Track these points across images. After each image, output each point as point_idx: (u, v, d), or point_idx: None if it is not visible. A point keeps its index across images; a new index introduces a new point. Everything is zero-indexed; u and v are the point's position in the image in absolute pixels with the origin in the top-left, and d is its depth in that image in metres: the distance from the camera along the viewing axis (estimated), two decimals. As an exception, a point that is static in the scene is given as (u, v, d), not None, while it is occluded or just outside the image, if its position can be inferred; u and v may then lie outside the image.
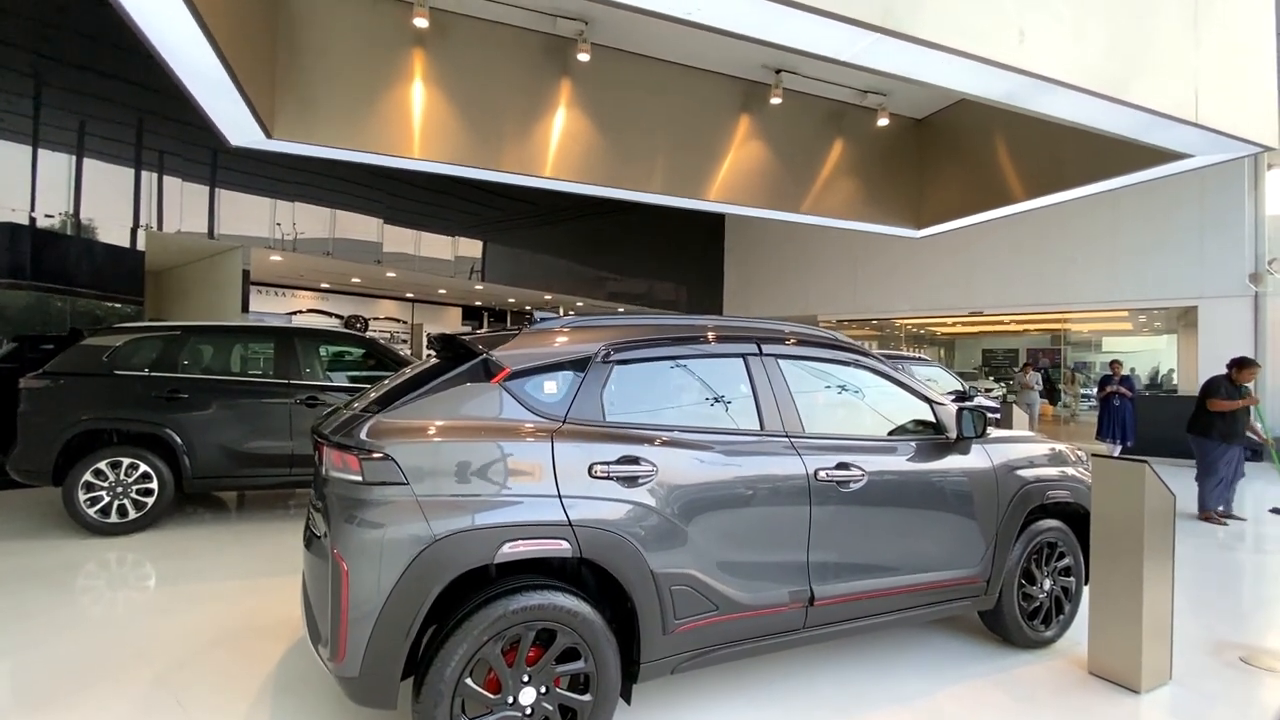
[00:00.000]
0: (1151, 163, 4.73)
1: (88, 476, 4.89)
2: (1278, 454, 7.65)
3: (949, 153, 6.77)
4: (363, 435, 2.06)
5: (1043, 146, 5.79)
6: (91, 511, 4.89)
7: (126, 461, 4.99)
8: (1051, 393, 16.36)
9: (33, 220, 7.41)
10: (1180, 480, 7.06)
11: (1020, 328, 16.99)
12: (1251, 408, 6.50)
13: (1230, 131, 3.86)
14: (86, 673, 2.87)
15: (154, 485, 5.04)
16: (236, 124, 4.31)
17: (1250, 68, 3.98)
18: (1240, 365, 6.38)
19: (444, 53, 5.06)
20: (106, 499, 4.93)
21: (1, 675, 2.85)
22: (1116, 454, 9.56)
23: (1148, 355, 15.60)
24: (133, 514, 4.99)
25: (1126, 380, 9.86)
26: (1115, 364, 10.10)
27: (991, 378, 17.91)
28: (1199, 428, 6.56)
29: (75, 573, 4.21)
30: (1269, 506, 6.88)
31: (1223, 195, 10.99)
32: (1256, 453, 10.36)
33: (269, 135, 4.46)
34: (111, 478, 4.95)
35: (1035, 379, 11.91)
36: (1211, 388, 6.58)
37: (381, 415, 2.13)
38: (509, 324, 19.76)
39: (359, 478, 2.01)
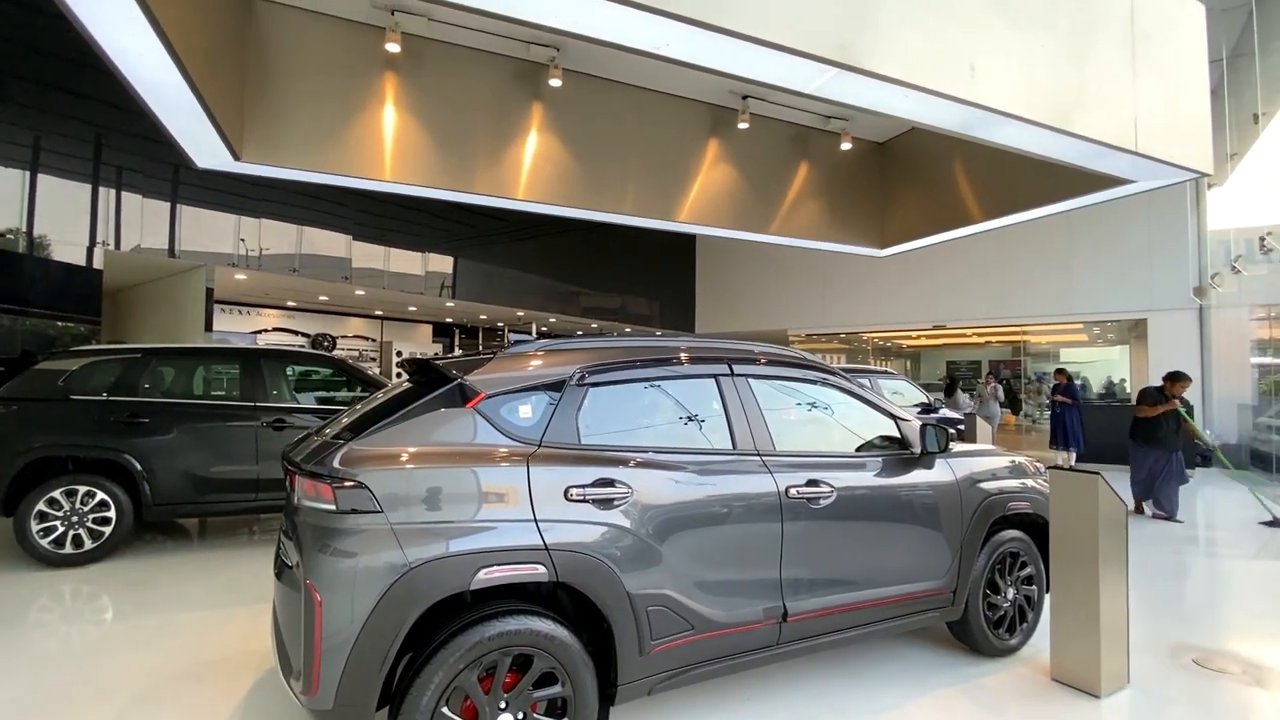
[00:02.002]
0: (1097, 187, 5.00)
1: (41, 506, 4.70)
2: (1224, 457, 8.04)
3: (910, 176, 7.03)
4: (335, 463, 2.05)
5: (998, 171, 6.06)
6: (45, 542, 4.70)
7: (83, 489, 4.82)
8: (1013, 402, 16.86)
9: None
10: (1129, 486, 7.41)
11: (982, 340, 17.51)
12: (1190, 418, 6.88)
13: (1167, 159, 4.12)
14: (40, 713, 2.76)
15: (111, 514, 4.87)
16: (203, 146, 4.26)
17: (1185, 101, 4.27)
18: (1173, 379, 6.83)
19: (416, 77, 5.09)
20: (61, 529, 4.74)
21: (-52, 719, 2.72)
22: (1072, 462, 9.88)
23: (1103, 365, 16.22)
24: (89, 544, 4.81)
25: (1069, 389, 10.15)
26: (1059, 373, 10.46)
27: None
28: (1132, 434, 7.08)
29: (28, 607, 4.04)
30: (1262, 519, 7.04)
31: (1168, 214, 11.56)
32: (1206, 458, 10.84)
33: (237, 158, 4.41)
34: (66, 507, 4.77)
35: (996, 390, 12.22)
36: (1141, 397, 7.09)
37: (354, 442, 2.12)
38: (480, 341, 19.60)
39: (332, 506, 2.00)
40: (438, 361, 2.54)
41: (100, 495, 4.85)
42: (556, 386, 2.41)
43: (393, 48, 4.76)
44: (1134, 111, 3.93)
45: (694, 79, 5.10)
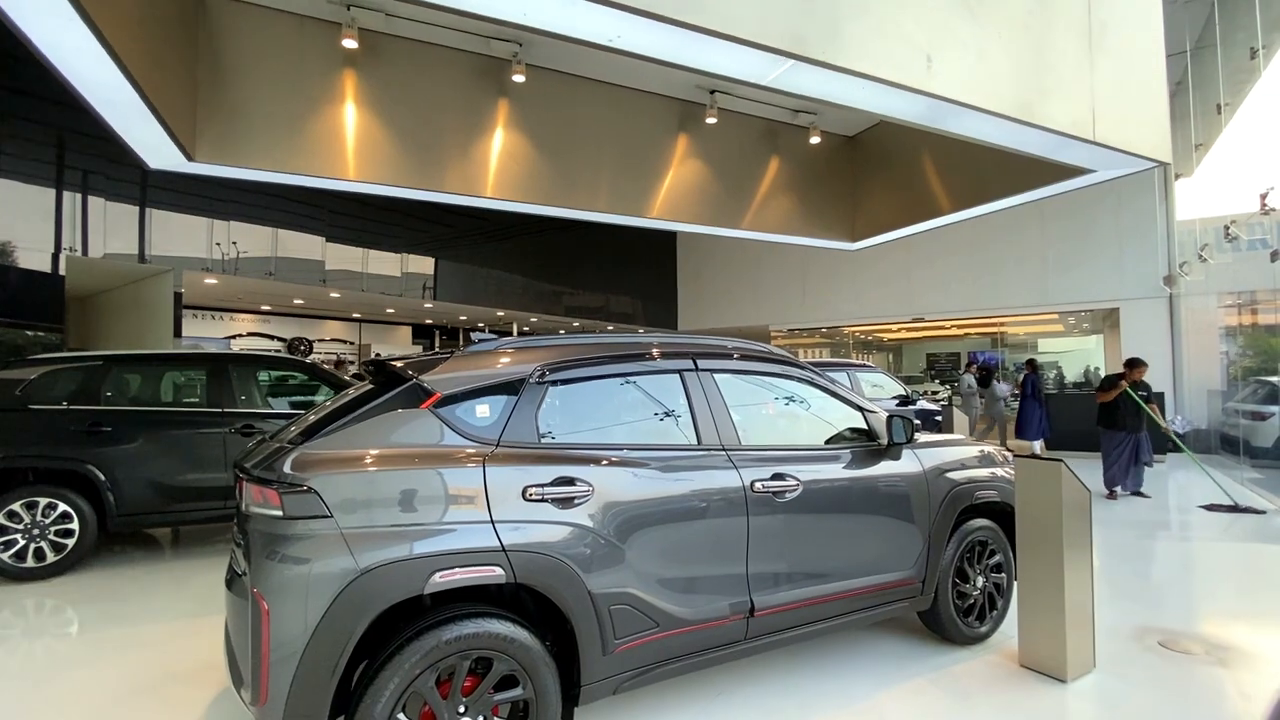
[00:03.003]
0: (1061, 177, 5.06)
1: (0, 519, 4.57)
2: (1182, 443, 8.26)
3: (880, 169, 7.07)
4: (285, 469, 2.00)
5: (965, 163, 6.11)
6: (5, 556, 4.57)
7: (44, 501, 4.69)
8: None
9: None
10: (1096, 473, 7.57)
11: (961, 332, 17.69)
12: (1144, 404, 7.31)
13: (1126, 148, 4.17)
14: (-9, 733, 2.68)
15: (75, 525, 4.75)
16: (152, 146, 4.15)
17: (1143, 89, 4.33)
18: (1129, 364, 7.31)
19: (376, 73, 5.01)
20: (22, 542, 4.62)
21: (-107, 742, 2.63)
22: (1035, 450, 10.03)
23: (1080, 355, 16.47)
24: (51, 557, 4.69)
25: (1029, 379, 10.37)
26: (1028, 364, 10.70)
27: (936, 380, 18.52)
28: (1097, 420, 7.50)
29: (-15, 623, 3.92)
30: (1200, 502, 7.29)
31: (1138, 205, 11.75)
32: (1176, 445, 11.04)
33: (190, 158, 4.30)
34: (27, 519, 4.65)
35: (969, 381, 12.29)
36: (1101, 384, 7.50)
37: (305, 446, 2.07)
38: (461, 342, 19.46)
39: (279, 513, 1.95)
40: (394, 362, 2.50)
41: (62, 507, 4.73)
42: (515, 385, 2.37)
43: (349, 44, 4.68)
44: (1092, 102, 3.98)
45: (660, 74, 5.09)
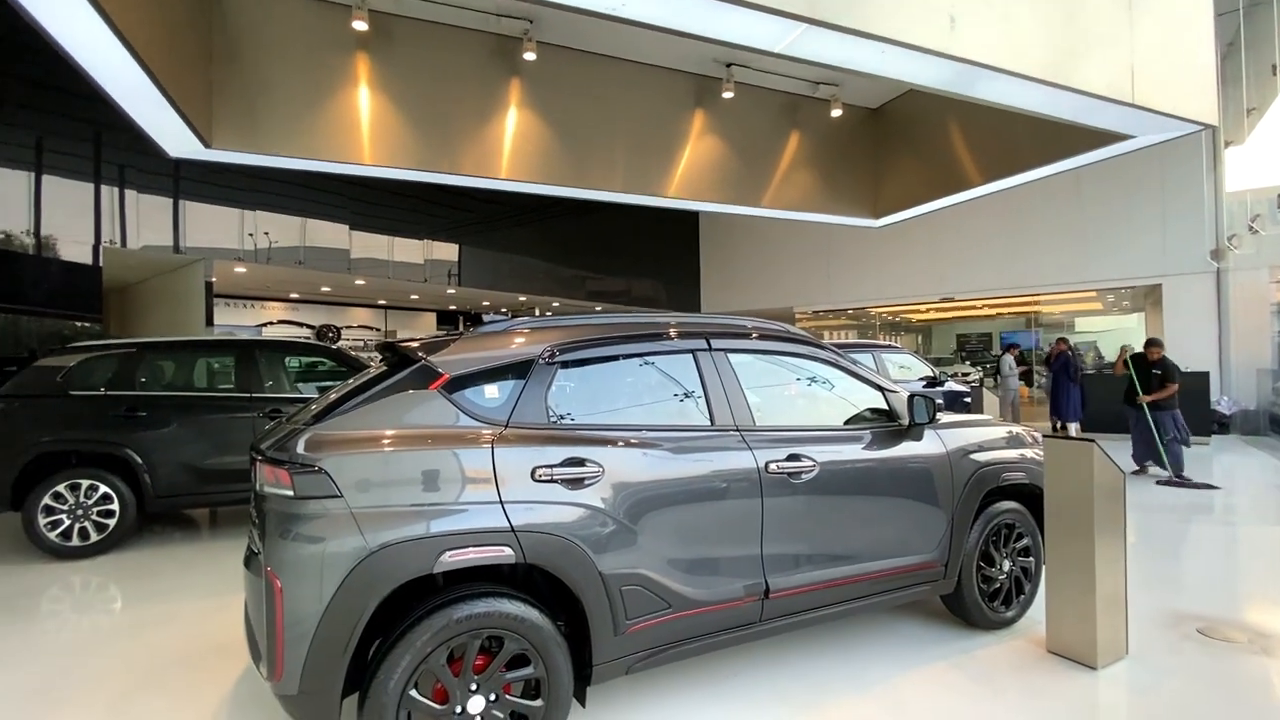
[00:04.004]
0: (1098, 144, 4.81)
1: (47, 500, 4.77)
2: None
3: (904, 141, 6.84)
4: (297, 449, 2.02)
5: (995, 131, 5.86)
6: (53, 535, 4.78)
7: (86, 483, 4.88)
8: (1027, 375, 16.57)
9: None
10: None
11: (993, 311, 17.21)
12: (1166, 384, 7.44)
13: (1168, 111, 3.93)
14: (46, 697, 2.81)
15: (115, 506, 4.94)
16: (170, 134, 4.22)
17: (1187, 46, 4.05)
18: (1148, 344, 7.55)
19: (388, 56, 4.99)
20: (67, 522, 4.82)
21: (-53, 709, 2.77)
22: (1073, 432, 9.75)
23: (1119, 334, 15.89)
24: (95, 536, 4.88)
25: (1057, 360, 10.12)
26: (1059, 342, 10.43)
27: (967, 362, 18.10)
28: (1126, 397, 7.68)
29: (38, 598, 4.12)
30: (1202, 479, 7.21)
31: (1183, 175, 11.21)
32: (1223, 425, 10.62)
33: (208, 145, 4.36)
34: (71, 500, 4.84)
35: (1008, 362, 12.00)
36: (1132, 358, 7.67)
37: (317, 427, 2.09)
38: (486, 327, 19.61)
39: (290, 492, 1.97)
40: (405, 343, 2.50)
41: (103, 489, 4.92)
42: (524, 366, 2.36)
43: (360, 25, 4.66)
44: (1131, 62, 3.73)
45: (674, 48, 4.97)
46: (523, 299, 15.81)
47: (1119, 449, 6.91)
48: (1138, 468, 7.60)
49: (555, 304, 16.46)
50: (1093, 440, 3.01)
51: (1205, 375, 10.23)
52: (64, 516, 4.82)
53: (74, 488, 4.86)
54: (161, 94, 3.51)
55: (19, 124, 7.53)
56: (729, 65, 5.65)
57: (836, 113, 6.43)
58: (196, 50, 4.16)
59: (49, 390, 5.00)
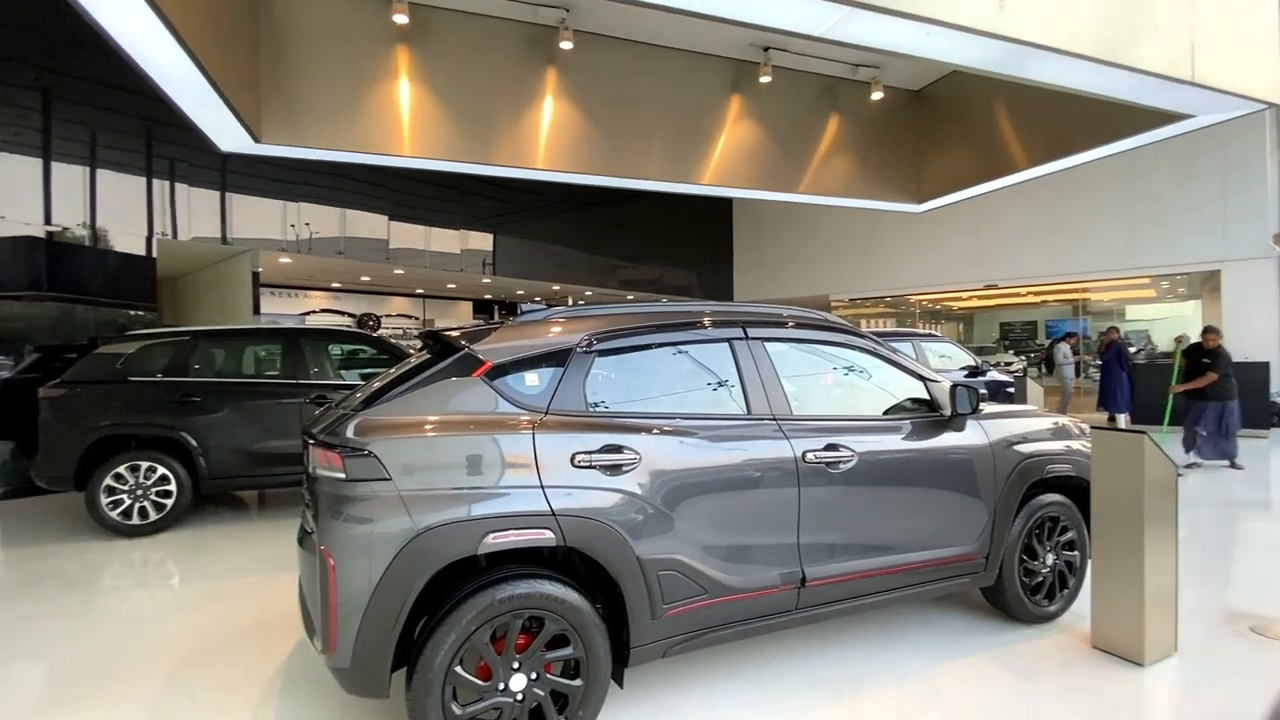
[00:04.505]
0: (1154, 124, 4.59)
1: (109, 480, 5.04)
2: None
3: (948, 123, 6.63)
4: (346, 433, 2.10)
5: (1045, 112, 5.64)
6: (114, 514, 5.05)
7: (145, 465, 5.14)
8: (1076, 365, 16.00)
9: (49, 233, 7.58)
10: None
11: (1038, 299, 16.65)
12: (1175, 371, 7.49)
13: (1229, 89, 3.72)
14: (109, 668, 2.99)
15: (172, 487, 5.18)
16: (223, 130, 4.36)
17: (1249, 22, 3.82)
18: (1205, 332, 7.38)
19: (427, 48, 5.06)
20: (128, 502, 5.08)
21: (35, 671, 2.97)
22: (1123, 423, 9.41)
23: (1174, 322, 15.21)
24: (153, 515, 5.14)
25: (1106, 350, 9.77)
26: (1110, 331, 10.06)
27: (1011, 351, 17.59)
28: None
29: (101, 573, 4.36)
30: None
31: (1245, 154, 10.62)
32: (1284, 417, 10.12)
33: (257, 139, 4.51)
34: (131, 481, 5.10)
35: (1063, 351, 11.58)
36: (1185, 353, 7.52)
37: (365, 413, 2.17)
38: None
39: (342, 475, 2.05)
40: (447, 332, 2.56)
41: (161, 470, 5.16)
42: (563, 355, 2.39)
43: (400, 19, 4.73)
44: (1191, 39, 3.54)
45: (710, 33, 4.91)
46: (556, 288, 15.91)
47: (1170, 442, 6.70)
48: (1190, 460, 7.43)
49: (588, 293, 16.53)
50: (1144, 432, 2.91)
51: (1265, 366, 9.75)
52: (124, 496, 5.08)
53: (134, 469, 5.12)
54: (214, 90, 3.63)
55: (74, 120, 7.86)
56: (766, 49, 5.55)
57: (877, 95, 6.26)
58: (245, 46, 4.28)
59: (110, 376, 5.25)
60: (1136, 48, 3.47)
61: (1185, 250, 11.34)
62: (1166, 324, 15.19)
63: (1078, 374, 15.99)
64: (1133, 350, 10.87)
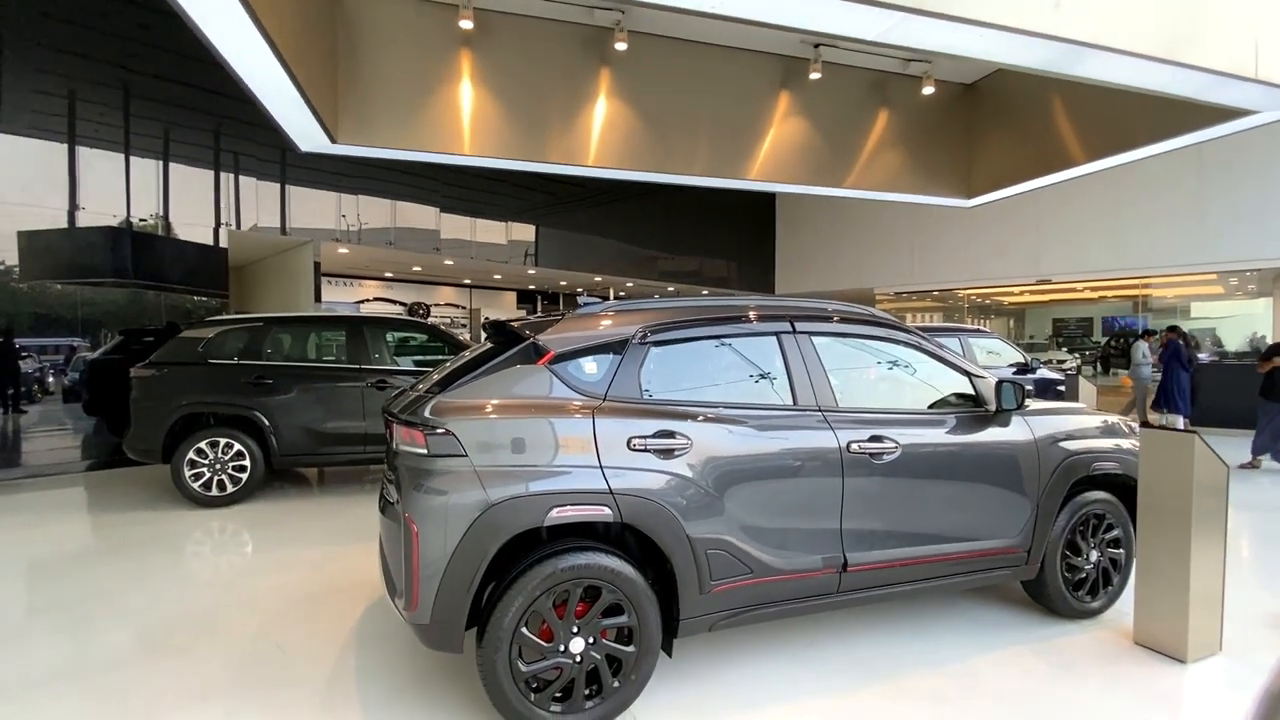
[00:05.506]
0: (1218, 120, 4.45)
1: (191, 455, 5.47)
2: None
3: (1001, 117, 6.50)
4: (426, 413, 2.31)
5: (1103, 106, 5.49)
6: (196, 486, 5.48)
7: (223, 441, 5.55)
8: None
9: (130, 224, 8.14)
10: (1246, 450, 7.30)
11: (1094, 295, 16.06)
12: None
13: (1296, 85, 3.61)
14: (202, 621, 3.32)
15: (247, 463, 5.58)
16: (305, 132, 4.66)
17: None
18: None
19: (489, 51, 5.27)
20: (208, 475, 5.51)
21: (135, 624, 3.32)
22: (1181, 425, 9.07)
23: (1243, 320, 14.48)
24: (230, 488, 5.55)
25: (1174, 346, 9.38)
26: (1171, 330, 9.67)
27: (1064, 348, 17.04)
28: (1260, 390, 7.20)
29: (186, 539, 4.76)
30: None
31: (1326, 144, 10.04)
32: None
33: (333, 140, 4.80)
34: (211, 456, 5.52)
35: (1142, 349, 11.13)
36: (1268, 352, 7.19)
37: (442, 395, 2.38)
38: (561, 306, 20.15)
39: (424, 450, 2.27)
40: (513, 323, 2.76)
41: (237, 447, 5.57)
42: (620, 345, 2.56)
43: (466, 24, 4.95)
44: (1255, 35, 3.44)
45: (760, 32, 4.97)
46: (598, 279, 16.13)
47: (1228, 445, 6.50)
48: (1251, 460, 7.31)
49: (629, 284, 16.70)
50: (1195, 432, 2.91)
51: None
52: (205, 470, 5.50)
53: (213, 445, 5.53)
54: (299, 93, 3.90)
55: (149, 116, 8.39)
56: (817, 45, 5.58)
57: (928, 90, 6.20)
58: (325, 51, 4.56)
59: (191, 358, 5.67)
60: (1197, 44, 3.40)
61: (1257, 244, 10.79)
62: (1235, 322, 14.47)
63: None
64: (1192, 348, 10.39)
